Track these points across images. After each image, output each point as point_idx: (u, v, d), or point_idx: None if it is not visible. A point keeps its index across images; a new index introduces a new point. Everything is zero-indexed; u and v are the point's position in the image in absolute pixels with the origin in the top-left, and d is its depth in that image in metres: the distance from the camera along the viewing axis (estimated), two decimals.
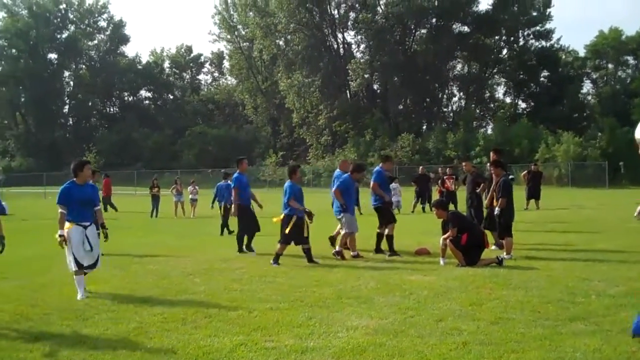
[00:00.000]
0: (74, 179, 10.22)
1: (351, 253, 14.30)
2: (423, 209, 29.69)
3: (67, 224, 9.98)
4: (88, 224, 10.11)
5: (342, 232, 14.48)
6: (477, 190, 16.40)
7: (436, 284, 10.57)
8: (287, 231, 13.52)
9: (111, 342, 7.33)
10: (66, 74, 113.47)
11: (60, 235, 9.81)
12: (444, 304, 8.99)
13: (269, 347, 6.99)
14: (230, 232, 21.21)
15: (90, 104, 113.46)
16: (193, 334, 7.63)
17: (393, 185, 21.41)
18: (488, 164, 18.12)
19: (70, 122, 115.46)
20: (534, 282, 10.45)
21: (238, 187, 15.87)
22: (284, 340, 7.22)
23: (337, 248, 14.26)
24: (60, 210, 9.94)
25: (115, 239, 19.64)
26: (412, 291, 9.93)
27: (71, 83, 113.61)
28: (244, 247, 15.83)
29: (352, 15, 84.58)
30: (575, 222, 22.04)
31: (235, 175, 16.14)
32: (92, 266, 10.18)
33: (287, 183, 13.99)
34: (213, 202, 24.47)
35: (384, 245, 14.86)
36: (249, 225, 15.78)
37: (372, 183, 14.91)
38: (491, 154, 16.31)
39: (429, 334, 7.37)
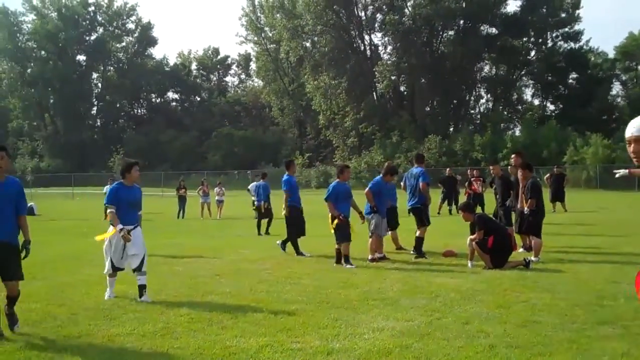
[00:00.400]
0: (122, 181, 10.13)
1: (376, 255, 14.26)
2: (450, 211, 29.59)
3: (110, 227, 9.91)
4: (132, 227, 9.90)
5: (370, 235, 14.37)
6: (507, 203, 16.21)
7: (463, 286, 10.53)
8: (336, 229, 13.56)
9: (138, 342, 7.37)
10: (94, 75, 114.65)
11: (120, 229, 9.65)
12: (471, 306, 8.95)
13: (294, 348, 6.98)
14: (259, 234, 21.41)
15: (118, 105, 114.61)
16: (219, 334, 7.64)
17: None
18: (509, 167, 17.93)
19: (98, 124, 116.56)
20: (561, 285, 10.38)
21: (289, 190, 15.71)
22: (309, 342, 7.21)
23: (379, 254, 14.10)
24: (109, 210, 9.89)
25: (145, 241, 19.79)
26: (439, 293, 9.89)
27: (99, 85, 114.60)
28: (285, 249, 15.71)
29: (379, 16, 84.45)
30: (603, 225, 21.85)
31: (285, 177, 15.93)
32: (138, 269, 9.85)
33: (333, 183, 14.07)
34: (259, 200, 23.88)
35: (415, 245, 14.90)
36: (299, 228, 15.67)
37: (421, 183, 14.73)
38: (514, 156, 16.26)
39: (455, 337, 7.33)
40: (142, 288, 9.84)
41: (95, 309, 9.13)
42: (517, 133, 78.69)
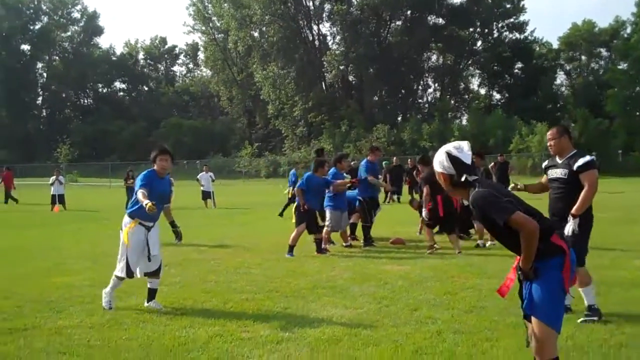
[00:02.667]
0: (154, 168, 8.80)
1: (343, 243, 14.52)
2: (398, 199, 29.79)
3: (130, 221, 8.73)
4: (152, 224, 8.70)
5: (326, 227, 14.32)
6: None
7: (411, 273, 10.63)
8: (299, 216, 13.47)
9: (86, 334, 7.29)
10: (39, 65, 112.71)
11: (146, 203, 7.99)
12: (419, 293, 9.05)
13: (244, 337, 6.99)
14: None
15: (63, 95, 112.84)
16: (168, 325, 7.61)
17: None
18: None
19: (44, 114, 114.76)
20: (507, 271, 10.46)
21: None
22: (259, 331, 7.23)
23: (323, 245, 13.76)
24: (141, 190, 8.36)
25: (91, 231, 19.57)
26: (387, 281, 9.98)
27: (44, 75, 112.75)
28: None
29: (327, 6, 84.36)
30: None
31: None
32: (154, 274, 8.65)
33: (307, 174, 13.77)
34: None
35: (360, 234, 15.00)
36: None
37: (368, 176, 14.88)
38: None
39: (403, 323, 7.41)
40: (153, 292, 8.70)
41: (41, 301, 8.99)
42: (464, 122, 79.44)
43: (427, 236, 13.48)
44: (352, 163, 22.13)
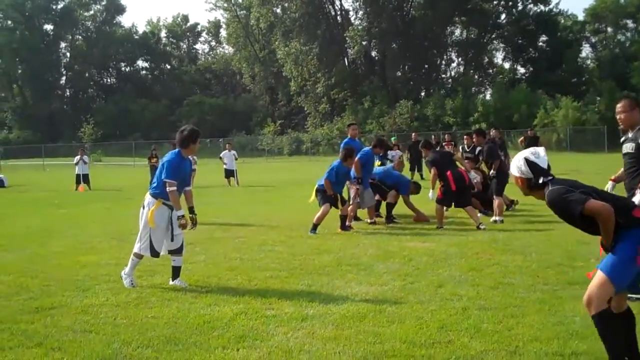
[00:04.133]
0: (180, 150, 8.56)
1: (368, 220, 14.49)
2: (421, 175, 29.67)
3: (154, 202, 8.55)
4: None
5: (352, 203, 14.27)
6: None
7: (436, 250, 10.60)
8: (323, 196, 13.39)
9: (112, 312, 7.33)
10: (62, 45, 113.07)
11: (180, 216, 8.33)
12: (444, 270, 9.03)
13: (269, 315, 7.00)
14: None
15: (87, 75, 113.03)
16: (193, 303, 7.63)
17: (392, 153, 21.69)
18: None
19: (68, 94, 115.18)
20: (533, 247, 10.47)
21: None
22: (284, 308, 7.24)
23: (347, 222, 13.63)
24: (171, 188, 8.28)
25: (117, 211, 19.69)
26: (412, 258, 9.95)
27: (67, 54, 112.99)
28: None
29: None
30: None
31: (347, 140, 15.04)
32: (177, 252, 8.63)
33: (336, 162, 13.61)
34: None
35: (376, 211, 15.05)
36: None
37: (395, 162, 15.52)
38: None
39: (428, 300, 7.40)
40: (178, 270, 8.69)
41: (67, 280, 9.04)
42: (488, 97, 78.79)
43: (437, 215, 13.55)
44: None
